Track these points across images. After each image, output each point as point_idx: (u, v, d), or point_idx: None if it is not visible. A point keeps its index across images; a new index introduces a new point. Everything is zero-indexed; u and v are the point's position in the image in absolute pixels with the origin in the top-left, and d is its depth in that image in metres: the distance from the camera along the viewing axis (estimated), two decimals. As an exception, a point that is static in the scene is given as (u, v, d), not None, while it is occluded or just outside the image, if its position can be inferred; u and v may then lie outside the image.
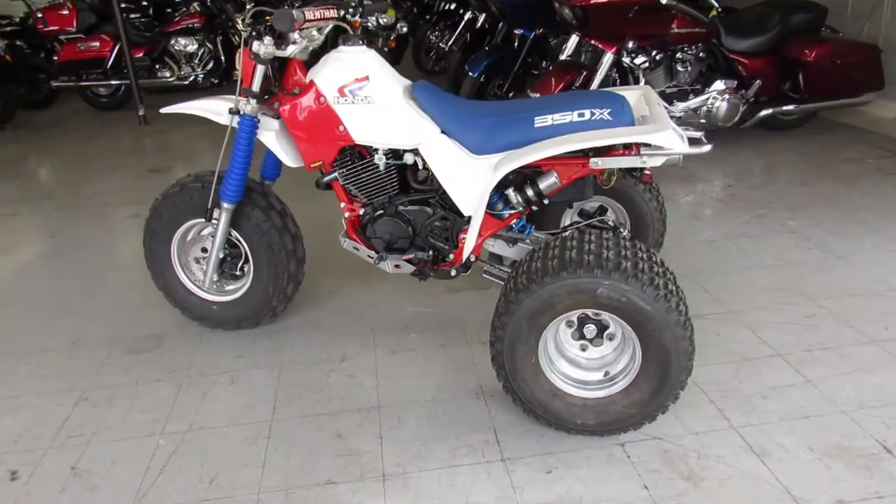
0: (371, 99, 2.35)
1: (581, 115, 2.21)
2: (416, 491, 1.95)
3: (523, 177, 2.40)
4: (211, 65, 7.88)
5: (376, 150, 2.44)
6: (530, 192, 2.37)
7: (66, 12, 7.76)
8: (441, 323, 2.82)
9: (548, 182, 2.37)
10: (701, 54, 4.72)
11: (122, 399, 2.44)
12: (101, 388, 2.51)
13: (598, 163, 2.21)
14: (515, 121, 2.27)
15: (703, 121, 4.50)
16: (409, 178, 2.56)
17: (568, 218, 2.97)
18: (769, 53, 4.73)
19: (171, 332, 2.85)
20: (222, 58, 7.86)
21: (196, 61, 7.87)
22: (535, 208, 2.44)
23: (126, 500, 1.97)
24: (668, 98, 4.47)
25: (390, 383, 2.44)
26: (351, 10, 2.48)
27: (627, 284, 1.89)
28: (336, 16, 2.44)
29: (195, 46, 7.86)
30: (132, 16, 8.46)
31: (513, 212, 2.43)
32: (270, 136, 2.49)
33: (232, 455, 2.13)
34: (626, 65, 4.57)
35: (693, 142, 2.16)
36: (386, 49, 2.79)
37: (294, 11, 2.14)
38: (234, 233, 2.67)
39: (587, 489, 1.92)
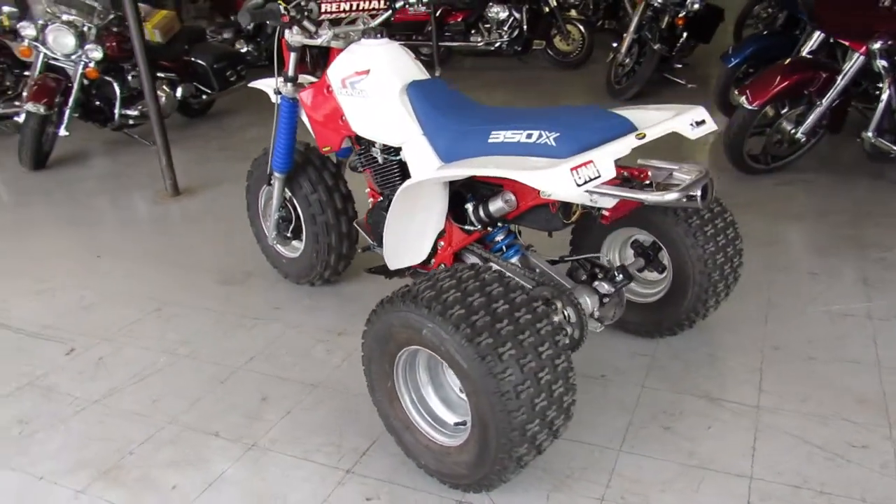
0: (366, 93, 2.39)
1: (529, 136, 1.97)
2: (257, 468, 2.08)
3: (482, 195, 2.24)
4: (516, 33, 8.18)
5: (373, 143, 2.49)
6: (482, 213, 2.21)
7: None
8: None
9: (496, 205, 2.18)
10: None
11: (179, 318, 2.98)
12: (176, 305, 3.10)
13: (546, 192, 1.92)
14: (474, 132, 2.11)
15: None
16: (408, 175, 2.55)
17: (616, 248, 2.61)
18: None
19: (260, 274, 3.32)
20: (524, 27, 8.08)
21: (505, 28, 8.23)
22: (491, 229, 2.26)
23: (122, 382, 2.49)
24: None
25: (351, 367, 2.53)
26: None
27: (447, 333, 1.70)
28: (367, 7, 2.51)
29: (506, 14, 8.22)
30: (458, -20, 9.17)
31: (474, 228, 2.28)
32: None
33: (183, 384, 2.50)
34: (878, 68, 3.59)
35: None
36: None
37: (277, 6, 2.29)
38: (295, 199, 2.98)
39: (382, 530, 1.84)
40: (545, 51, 8.21)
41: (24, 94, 5.32)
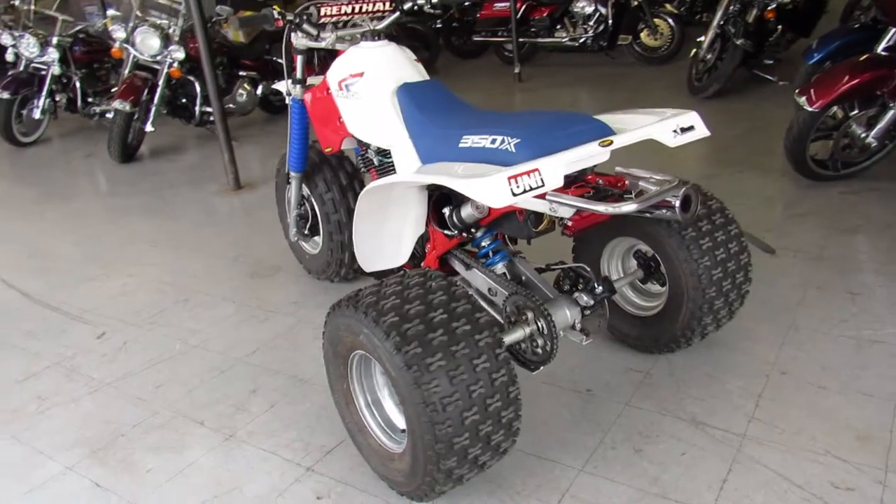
0: (359, 95, 2.41)
1: (493, 141, 1.93)
2: (228, 458, 2.15)
3: (458, 200, 2.20)
4: (601, 28, 7.95)
5: (368, 145, 2.51)
6: (455, 218, 2.18)
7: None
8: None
9: (467, 211, 2.15)
10: None
11: (202, 308, 3.13)
12: (205, 294, 3.26)
13: (480, 201, 1.85)
14: (448, 136, 2.09)
15: None
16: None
17: (618, 258, 2.50)
18: None
19: (288, 269, 3.42)
20: (610, 22, 7.84)
21: (591, 23, 8.03)
22: (466, 235, 2.22)
23: (136, 367, 2.66)
24: None
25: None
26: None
27: (378, 340, 1.69)
28: (371, 10, 2.52)
29: (591, 9, 8.01)
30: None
31: (453, 233, 2.25)
32: None
33: (187, 372, 2.62)
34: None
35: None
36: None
37: (270, 11, 2.35)
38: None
39: (322, 530, 1.86)
40: (631, 46, 7.94)
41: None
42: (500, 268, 2.27)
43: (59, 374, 2.71)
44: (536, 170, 1.70)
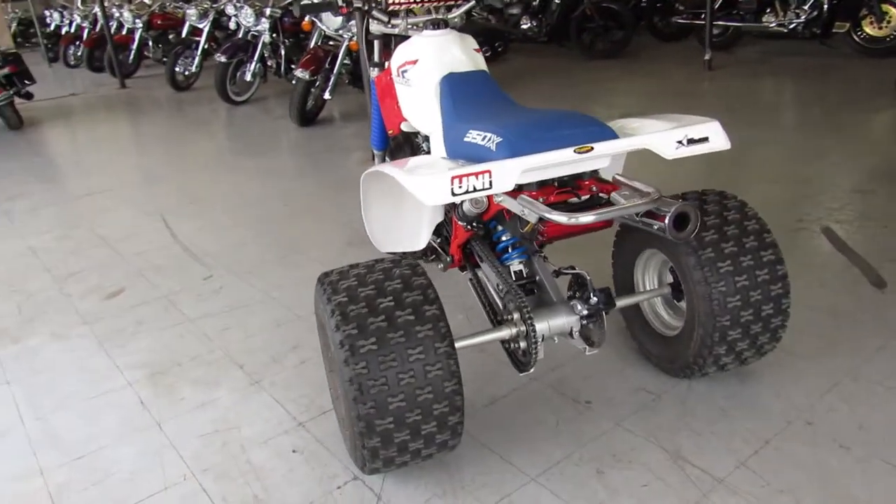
0: (411, 82, 2.50)
1: (484, 137, 1.94)
2: (243, 401, 2.41)
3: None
4: (816, 13, 7.14)
5: (418, 132, 2.59)
6: (459, 211, 2.20)
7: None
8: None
9: (466, 205, 2.14)
10: None
11: (294, 267, 3.46)
12: (303, 255, 3.58)
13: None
14: (460, 130, 2.12)
15: None
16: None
17: (654, 269, 2.35)
18: None
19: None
20: (826, 6, 7.00)
21: (804, 7, 7.25)
22: (473, 228, 2.23)
23: (217, 310, 3.06)
24: None
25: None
26: None
27: (327, 316, 1.81)
28: (443, -1, 2.58)
29: (809, -10, 7.22)
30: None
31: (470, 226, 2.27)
32: None
33: (253, 321, 2.94)
34: None
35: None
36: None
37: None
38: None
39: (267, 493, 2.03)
40: (849, 35, 7.02)
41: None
42: (516, 264, 2.25)
43: (162, 305, 3.17)
44: (488, 171, 1.68)
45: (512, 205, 1.89)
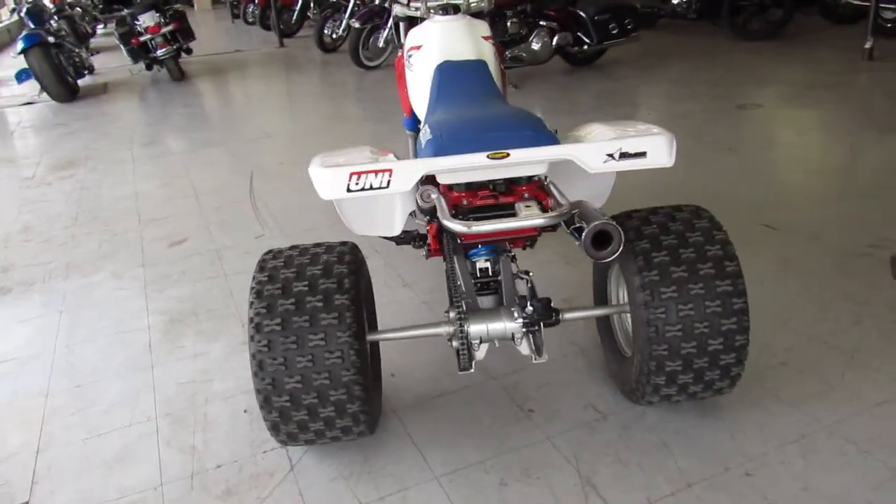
0: (413, 67, 2.51)
1: (426, 133, 1.94)
2: (228, 356, 2.59)
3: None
4: None
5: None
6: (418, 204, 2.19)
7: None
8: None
9: (418, 200, 2.12)
10: None
11: (341, 232, 3.60)
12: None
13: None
14: (427, 121, 2.12)
15: None
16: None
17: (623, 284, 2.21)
18: None
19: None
20: None
21: None
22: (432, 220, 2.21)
23: (252, 268, 3.30)
24: None
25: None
26: None
27: (250, 295, 1.90)
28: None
29: None
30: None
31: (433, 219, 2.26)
32: None
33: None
34: None
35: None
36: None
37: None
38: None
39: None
40: None
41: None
42: (482, 261, 2.22)
43: (210, 258, 3.45)
44: (389, 171, 1.68)
45: (418, 203, 1.88)
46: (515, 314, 1.97)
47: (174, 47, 8.11)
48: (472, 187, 1.87)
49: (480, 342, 2.01)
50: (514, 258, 2.23)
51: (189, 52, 8.46)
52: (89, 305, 3.08)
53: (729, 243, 1.88)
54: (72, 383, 2.51)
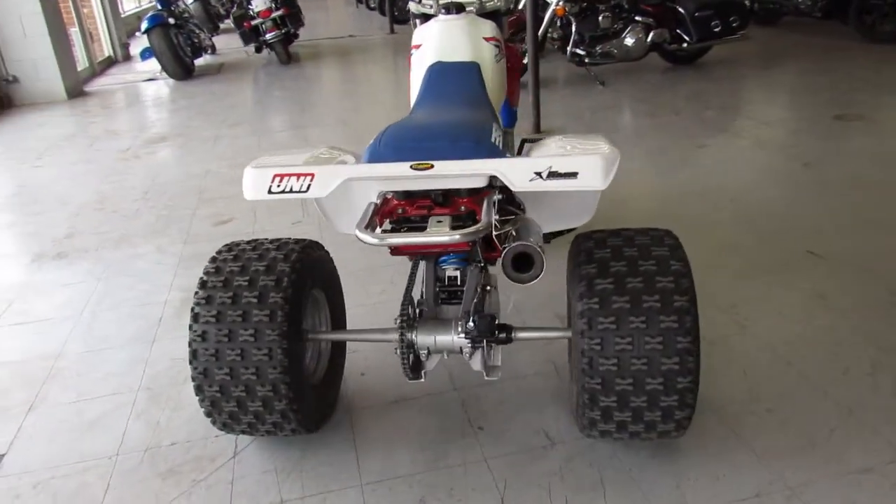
0: (412, 66, 2.48)
1: (375, 137, 1.91)
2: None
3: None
4: None
5: (421, 116, 2.55)
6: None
7: None
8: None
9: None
10: None
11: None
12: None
13: None
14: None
15: None
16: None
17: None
18: None
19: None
20: None
21: None
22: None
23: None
24: None
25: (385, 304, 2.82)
26: None
27: (197, 285, 1.96)
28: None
29: None
30: None
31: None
32: None
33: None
34: None
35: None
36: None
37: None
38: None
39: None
40: None
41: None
42: (451, 269, 2.18)
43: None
44: (311, 175, 1.67)
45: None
46: (460, 328, 1.91)
47: (282, 31, 8.45)
48: (413, 196, 1.83)
49: (429, 353, 1.97)
50: (484, 268, 2.16)
51: (296, 36, 8.79)
52: (126, 275, 3.29)
53: (685, 276, 1.73)
54: (83, 348, 2.70)
